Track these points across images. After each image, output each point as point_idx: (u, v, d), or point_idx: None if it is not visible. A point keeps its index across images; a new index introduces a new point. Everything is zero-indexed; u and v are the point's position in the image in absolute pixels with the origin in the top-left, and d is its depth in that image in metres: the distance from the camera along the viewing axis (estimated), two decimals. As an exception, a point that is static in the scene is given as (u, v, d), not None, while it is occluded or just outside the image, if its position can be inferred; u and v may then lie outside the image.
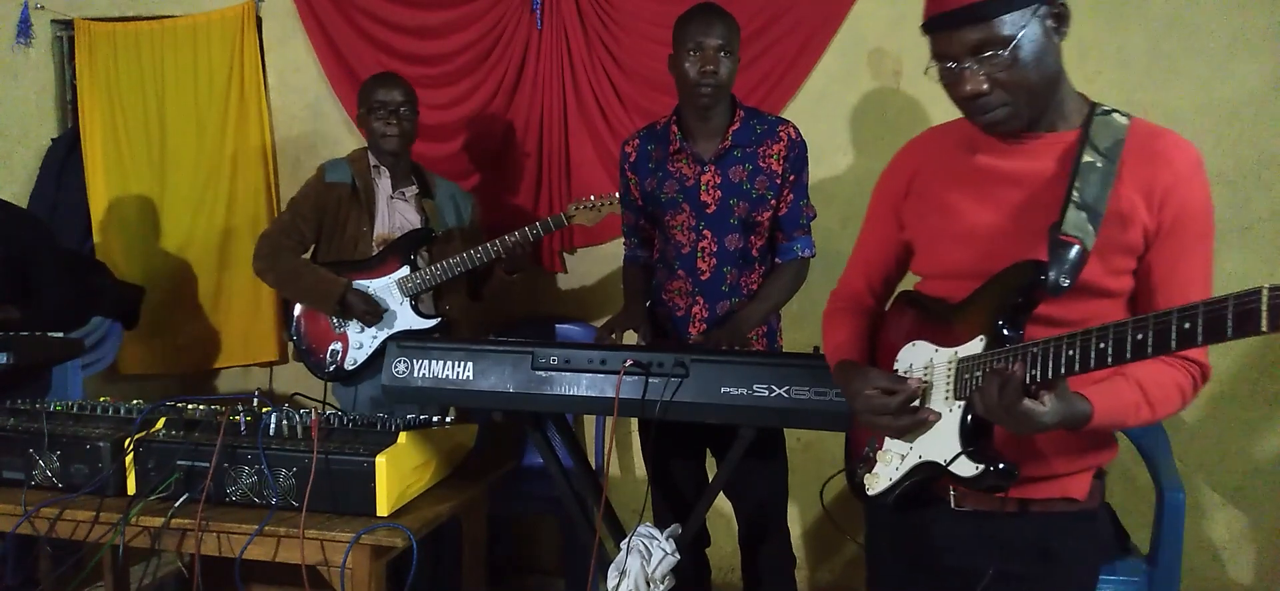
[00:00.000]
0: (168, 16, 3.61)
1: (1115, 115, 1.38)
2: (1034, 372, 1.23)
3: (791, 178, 2.35)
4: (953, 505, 1.46)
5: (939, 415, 1.40)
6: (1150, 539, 2.48)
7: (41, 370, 2.85)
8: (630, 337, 2.49)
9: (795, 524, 3.12)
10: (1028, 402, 1.22)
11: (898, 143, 1.66)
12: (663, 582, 2.02)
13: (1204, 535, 2.92)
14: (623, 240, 2.61)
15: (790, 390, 1.92)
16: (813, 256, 2.41)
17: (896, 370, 1.50)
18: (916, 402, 1.43)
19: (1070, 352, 1.19)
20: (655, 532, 2.06)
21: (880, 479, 1.51)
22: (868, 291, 1.67)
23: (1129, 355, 1.13)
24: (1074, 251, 1.29)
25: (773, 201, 2.35)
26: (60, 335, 2.68)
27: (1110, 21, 2.86)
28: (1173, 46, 2.83)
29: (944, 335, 1.43)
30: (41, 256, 2.83)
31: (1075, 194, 1.31)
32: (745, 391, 1.94)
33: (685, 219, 2.37)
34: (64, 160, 3.68)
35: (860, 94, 3.09)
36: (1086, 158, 1.33)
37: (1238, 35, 2.78)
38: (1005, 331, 1.32)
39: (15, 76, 3.77)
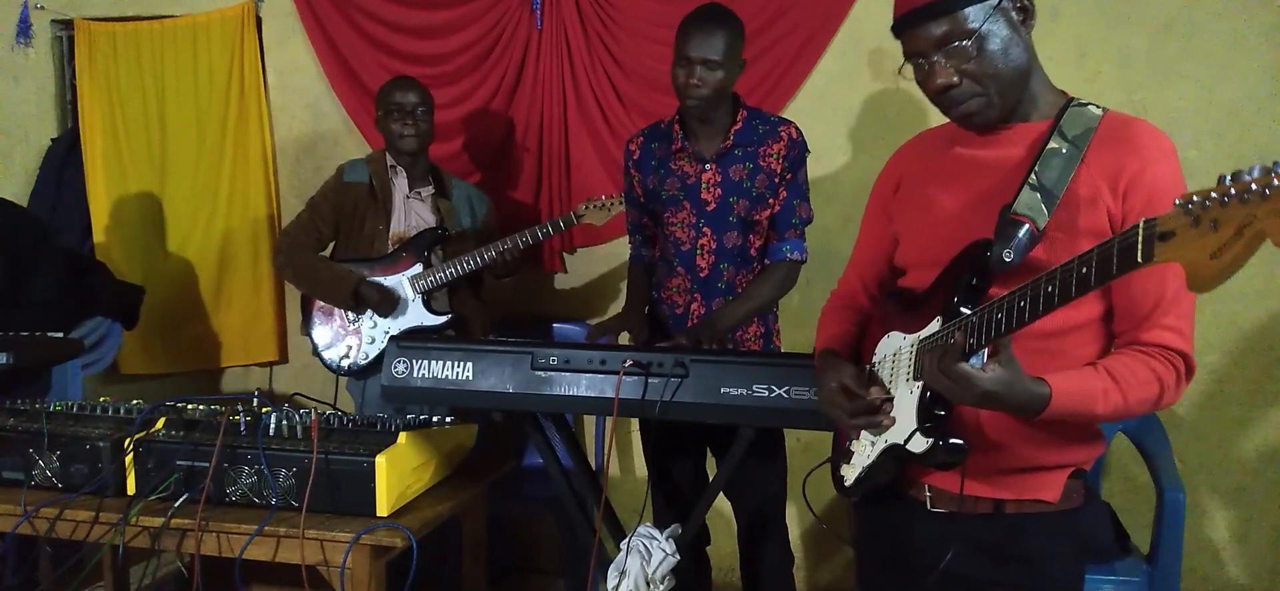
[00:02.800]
0: (168, 16, 3.60)
1: (1090, 107, 1.40)
2: (973, 341, 1.26)
3: (788, 176, 2.35)
4: (928, 506, 1.48)
5: (892, 416, 1.43)
6: (1150, 539, 2.47)
7: (41, 370, 2.84)
8: (625, 340, 2.49)
9: (795, 523, 3.11)
10: (963, 366, 1.25)
11: (898, 142, 1.68)
12: (663, 582, 2.02)
13: (1204, 535, 2.92)
14: (627, 239, 2.61)
15: (790, 390, 1.92)
16: (803, 260, 2.40)
17: (874, 362, 1.54)
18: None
19: (999, 316, 1.23)
20: (655, 532, 2.06)
21: (855, 469, 1.54)
22: (862, 290, 1.69)
23: (1042, 307, 1.16)
24: (1023, 230, 1.32)
25: (772, 200, 2.35)
26: (60, 335, 2.68)
27: (1110, 21, 2.86)
28: (1173, 46, 2.83)
29: (911, 322, 1.46)
30: (37, 256, 2.82)
31: (1033, 177, 1.34)
32: (745, 391, 1.94)
33: (685, 216, 2.38)
34: (64, 160, 3.67)
35: (860, 94, 3.09)
36: (1052, 144, 1.36)
37: (1238, 35, 2.78)
38: (962, 310, 1.34)
39: (15, 76, 3.76)
